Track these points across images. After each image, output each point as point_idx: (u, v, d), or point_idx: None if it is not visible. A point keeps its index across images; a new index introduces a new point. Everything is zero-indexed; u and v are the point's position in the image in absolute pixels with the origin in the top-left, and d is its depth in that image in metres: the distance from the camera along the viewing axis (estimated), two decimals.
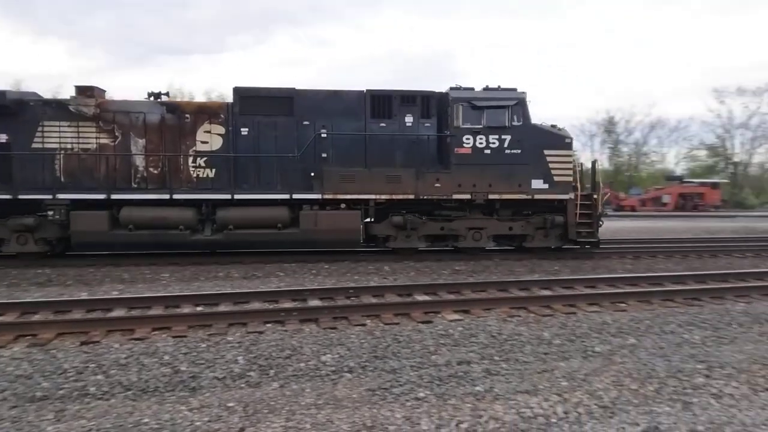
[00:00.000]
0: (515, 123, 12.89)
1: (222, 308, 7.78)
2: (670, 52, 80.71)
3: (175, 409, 4.37)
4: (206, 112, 12.76)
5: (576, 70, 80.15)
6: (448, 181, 12.73)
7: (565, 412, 4.15)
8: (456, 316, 7.37)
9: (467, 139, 12.79)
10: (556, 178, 13.08)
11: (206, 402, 4.52)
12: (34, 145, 11.93)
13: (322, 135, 12.56)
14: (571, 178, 13.29)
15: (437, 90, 13.39)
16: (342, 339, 6.24)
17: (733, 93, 47.15)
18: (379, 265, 12.00)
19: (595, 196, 13.54)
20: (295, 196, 12.35)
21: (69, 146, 12.08)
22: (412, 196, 12.67)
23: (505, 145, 12.89)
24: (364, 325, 7.01)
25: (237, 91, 12.69)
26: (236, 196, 12.16)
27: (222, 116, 12.56)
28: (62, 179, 12.03)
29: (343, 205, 12.65)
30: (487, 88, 13.33)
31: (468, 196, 12.88)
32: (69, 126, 12.04)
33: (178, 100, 12.86)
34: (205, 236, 12.29)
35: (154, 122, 12.39)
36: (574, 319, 7.21)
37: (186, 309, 7.78)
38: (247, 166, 12.52)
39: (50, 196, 11.75)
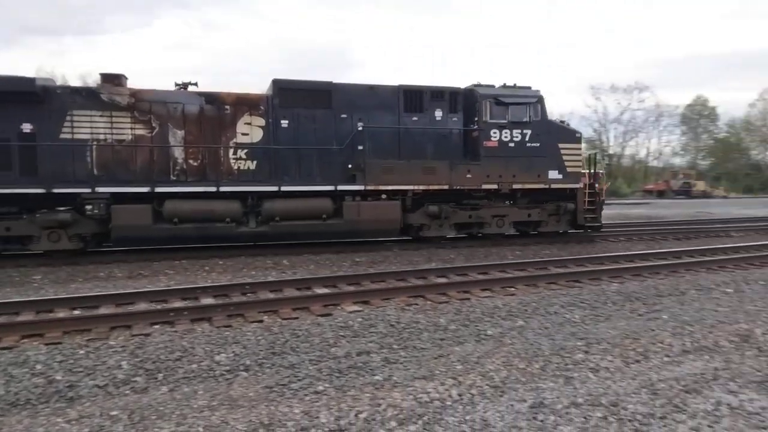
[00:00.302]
0: (534, 119, 14.04)
1: (103, 311, 7.20)
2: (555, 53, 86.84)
3: (50, 422, 3.98)
4: (246, 103, 12.45)
5: (456, 64, 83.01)
6: (478, 172, 13.61)
7: (459, 395, 4.28)
8: (356, 308, 7.38)
9: (494, 133, 13.77)
10: (568, 169, 14.38)
11: (86, 412, 4.15)
12: (62, 136, 11.19)
13: (359, 128, 12.93)
14: (580, 169, 14.68)
15: (461, 86, 14.15)
16: (237, 337, 6.01)
17: (607, 90, 51.58)
18: (278, 259, 11.76)
19: (597, 186, 15.06)
20: (339, 188, 12.57)
21: (102, 137, 11.48)
22: (446, 187, 13.37)
23: (527, 138, 14.03)
24: (261, 321, 6.80)
25: (276, 82, 12.62)
26: (283, 188, 12.21)
27: (262, 108, 12.46)
28: (95, 172, 11.37)
29: (383, 196, 13.04)
30: (505, 86, 14.31)
31: (495, 186, 13.86)
32: (101, 116, 11.44)
33: (218, 91, 12.53)
34: (251, 228, 12.23)
35: (193, 113, 12.07)
36: (468, 305, 7.49)
37: (61, 313, 7.11)
38: (288, 158, 12.54)
39: (89, 190, 11.10)
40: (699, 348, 5.43)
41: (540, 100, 14.24)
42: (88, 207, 11.11)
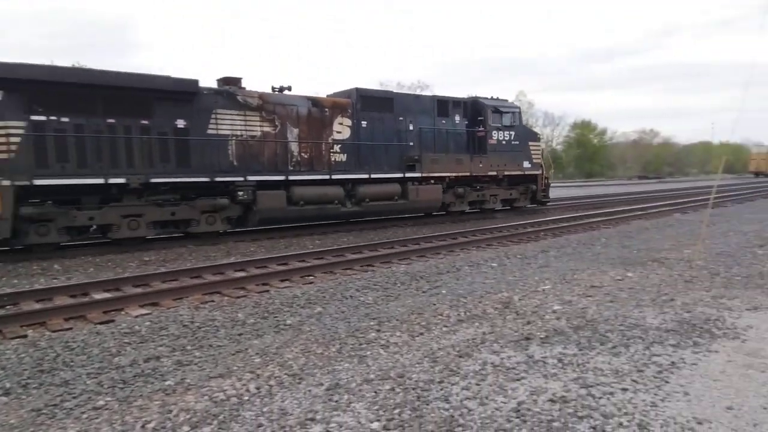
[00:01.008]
0: (515, 124, 19.74)
1: None
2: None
3: None
4: (339, 107, 15.64)
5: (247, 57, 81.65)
6: (486, 163, 18.68)
7: (257, 388, 4.24)
8: (143, 311, 6.81)
9: (494, 134, 19.03)
10: (534, 160, 20.15)
11: None
12: (208, 131, 13.14)
13: (410, 128, 17.01)
14: (540, 160, 20.42)
15: (464, 96, 19.21)
16: None
17: (394, 86, 55.35)
18: (48, 264, 10.26)
19: (546, 173, 20.89)
20: (406, 175, 16.51)
21: (239, 133, 13.66)
22: (468, 174, 18.20)
23: (512, 138, 19.48)
24: (24, 336, 5.88)
25: (359, 91, 16.10)
26: (372, 176, 15.69)
27: (349, 111, 15.70)
28: (234, 163, 13.55)
29: (432, 181, 17.16)
30: (497, 99, 19.66)
31: (495, 173, 19.10)
32: (238, 115, 13.60)
33: (319, 96, 15.94)
34: (348, 208, 15.37)
35: (304, 114, 14.89)
36: (268, 297, 7.44)
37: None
38: (367, 152, 16.00)
39: (242, 178, 13.32)
40: (471, 317, 6.16)
41: (519, 110, 20.21)
42: (240, 193, 13.19)
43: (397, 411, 3.64)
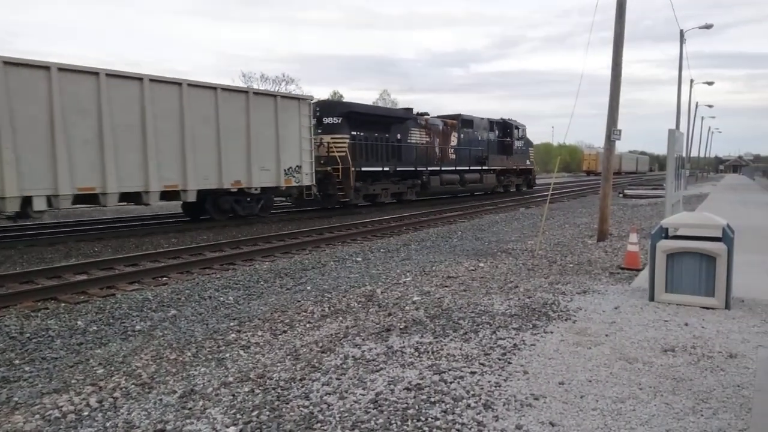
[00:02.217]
0: (524, 136, 31.25)
1: None
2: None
3: None
4: (453, 126, 25.31)
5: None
6: (512, 161, 29.87)
7: (99, 401, 3.87)
8: None
9: (516, 142, 30.05)
10: (531, 159, 32.37)
11: None
12: (409, 141, 22.75)
13: (480, 139, 27.41)
14: (533, 159, 32.87)
15: (498, 118, 29.56)
16: None
17: (258, 79, 53.77)
18: None
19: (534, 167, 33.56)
20: (482, 168, 27.06)
21: (418, 142, 23.22)
22: (505, 168, 29.34)
23: (522, 145, 30.94)
24: None
25: (461, 116, 26.12)
26: (472, 167, 26.35)
27: (456, 128, 25.51)
28: (417, 159, 23.05)
29: (492, 173, 28.07)
30: (514, 120, 30.12)
31: (515, 168, 30.41)
32: (417, 131, 23.11)
33: (447, 119, 25.78)
34: (461, 187, 26.00)
35: (440, 130, 24.49)
36: (113, 301, 6.84)
37: None
38: (465, 154, 25.78)
39: (424, 168, 23.46)
40: (335, 311, 6.19)
41: (525, 127, 31.07)
42: (423, 177, 23.14)
43: (255, 413, 3.54)
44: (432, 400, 3.64)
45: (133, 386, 4.15)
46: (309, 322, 5.80)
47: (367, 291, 7.14)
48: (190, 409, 3.67)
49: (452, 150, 25.13)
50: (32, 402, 3.95)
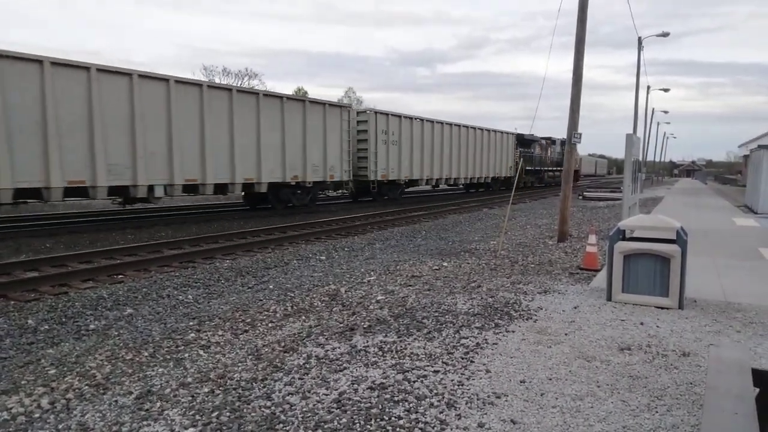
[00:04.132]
0: (561, 147, 42.71)
1: None
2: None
3: None
4: (550, 145, 42.42)
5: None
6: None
7: (51, 403, 3.72)
8: None
9: (561, 153, 42.02)
10: (578, 164, 54.67)
11: None
12: (534, 154, 40.44)
13: (556, 150, 43.10)
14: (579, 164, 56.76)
15: (555, 137, 43.63)
16: None
17: (220, 73, 52.79)
18: None
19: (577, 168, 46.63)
20: (558, 168, 42.50)
21: (541, 155, 41.72)
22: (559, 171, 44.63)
23: (561, 155, 40.60)
24: None
25: (551, 138, 42.76)
26: (556, 168, 43.23)
27: (552, 144, 42.78)
28: (539, 167, 41.29)
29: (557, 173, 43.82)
30: (563, 139, 31.97)
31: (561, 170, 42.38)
32: (538, 147, 40.67)
33: (547, 138, 42.50)
34: (555, 179, 42.95)
35: (545, 146, 41.96)
36: (66, 299, 6.60)
37: None
38: (554, 160, 43.15)
39: (548, 169, 43.64)
40: (298, 311, 6.12)
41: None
42: (547, 173, 42.73)
43: (215, 414, 3.46)
44: (395, 399, 3.64)
45: (86, 387, 4.00)
46: (271, 322, 5.72)
47: (331, 290, 7.10)
48: (147, 410, 3.56)
49: (549, 158, 42.41)
50: None
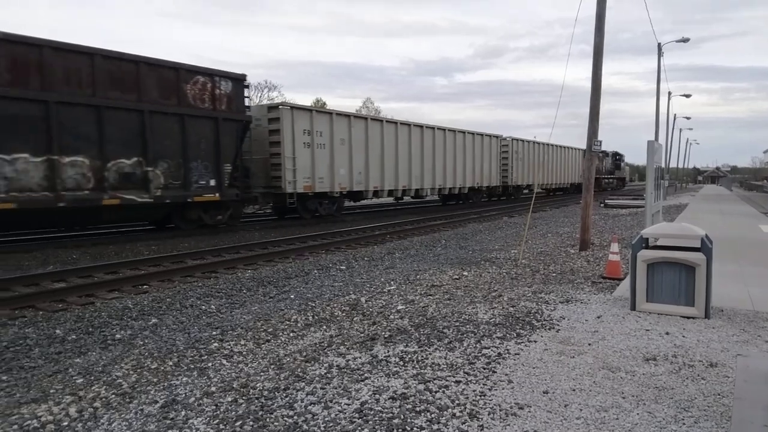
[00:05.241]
0: (620, 159, 59.76)
1: None
2: None
3: None
4: (605, 156, 51.65)
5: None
6: (617, 173, 58.34)
7: (79, 411, 3.79)
8: None
9: (620, 163, 59.97)
10: (625, 173, 71.68)
11: None
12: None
13: (611, 162, 55.55)
14: (626, 173, 71.94)
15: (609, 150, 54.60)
16: None
17: None
18: None
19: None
20: (612, 176, 56.83)
21: (602, 168, 52.14)
22: (617, 176, 58.60)
23: (622, 165, 61.73)
24: None
25: (605, 151, 49.54)
26: (611, 176, 56.76)
27: (606, 156, 51.73)
28: (597, 174, 45.47)
29: (613, 179, 57.79)
30: (618, 152, 58.43)
31: (619, 176, 60.24)
32: (601, 160, 49.92)
33: (606, 151, 53.70)
34: (611, 185, 56.96)
35: (602, 159, 48.86)
36: (92, 310, 6.73)
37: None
38: (609, 169, 54.51)
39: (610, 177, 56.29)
40: (319, 320, 6.16)
41: (623, 156, 60.51)
42: (605, 180, 53.05)
43: (239, 423, 3.50)
44: (417, 409, 3.63)
45: (113, 396, 4.08)
46: (293, 331, 5.75)
47: (352, 300, 7.12)
48: (172, 419, 3.61)
49: (605, 168, 49.79)
50: (10, 412, 3.85)
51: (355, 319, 6.17)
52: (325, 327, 5.87)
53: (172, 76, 13.90)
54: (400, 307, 6.57)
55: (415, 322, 5.87)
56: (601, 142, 11.58)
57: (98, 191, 12.37)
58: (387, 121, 22.57)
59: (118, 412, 3.78)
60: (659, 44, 30.70)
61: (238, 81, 15.60)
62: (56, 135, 11.63)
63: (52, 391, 4.27)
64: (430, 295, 7.26)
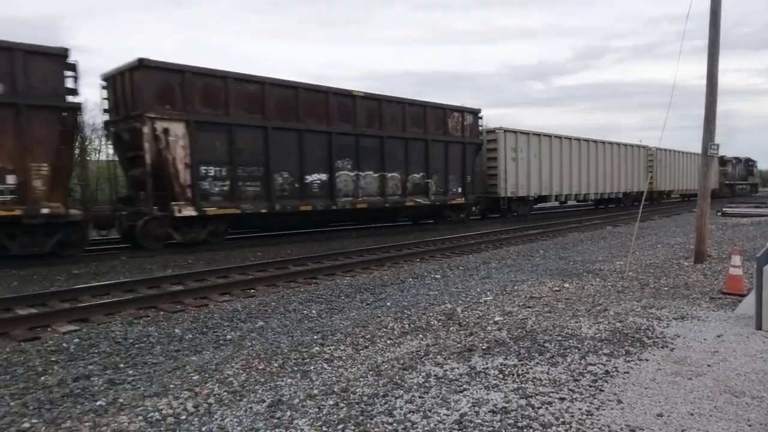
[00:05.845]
0: (753, 165, 56.02)
1: None
2: None
3: None
4: (738, 162, 50.90)
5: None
6: (750, 179, 54.38)
7: (195, 406, 4.08)
8: (71, 327, 6.46)
9: (753, 170, 56.57)
10: (757, 178, 62.66)
11: None
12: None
13: (744, 168, 51.40)
14: (758, 179, 66.68)
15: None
16: None
17: None
18: None
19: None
20: (746, 182, 53.10)
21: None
22: (749, 182, 54.90)
23: (755, 171, 57.94)
24: None
25: (725, 157, 44.74)
26: (742, 182, 53.30)
27: (736, 163, 49.67)
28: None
29: (747, 185, 53.94)
30: (750, 159, 55.04)
31: (751, 182, 56.14)
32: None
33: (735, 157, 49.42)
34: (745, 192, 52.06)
35: (735, 165, 50.14)
36: (207, 311, 7.22)
37: None
38: (741, 176, 52.33)
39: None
40: (415, 329, 6.18)
41: (756, 162, 57.15)
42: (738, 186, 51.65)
43: (341, 426, 3.60)
44: (519, 425, 3.54)
45: (225, 393, 4.35)
46: (390, 339, 5.82)
47: (447, 309, 7.08)
48: (278, 418, 3.79)
49: (738, 174, 49.36)
50: (135, 404, 4.23)
51: (451, 329, 6.13)
52: (421, 335, 5.89)
53: (441, 114, 19.93)
54: (497, 319, 6.44)
55: (513, 334, 5.72)
56: (718, 145, 10.68)
57: (403, 196, 18.62)
58: (564, 138, 26.99)
59: (229, 409, 4.02)
60: None
61: (475, 114, 21.50)
62: (386, 159, 17.83)
63: (171, 386, 4.62)
64: (529, 307, 7.05)
